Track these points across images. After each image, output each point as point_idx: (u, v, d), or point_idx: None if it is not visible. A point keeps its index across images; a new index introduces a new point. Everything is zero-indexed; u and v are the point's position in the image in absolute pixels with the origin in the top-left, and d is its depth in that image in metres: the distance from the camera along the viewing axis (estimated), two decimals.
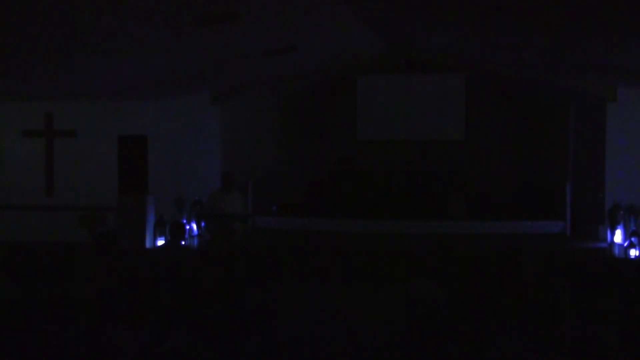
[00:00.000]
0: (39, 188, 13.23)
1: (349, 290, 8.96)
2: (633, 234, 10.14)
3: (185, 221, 11.63)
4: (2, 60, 8.28)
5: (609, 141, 11.55)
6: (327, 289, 9.07)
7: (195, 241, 11.74)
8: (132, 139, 13.01)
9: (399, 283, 5.44)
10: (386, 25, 10.17)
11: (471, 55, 12.43)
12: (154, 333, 4.11)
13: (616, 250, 10.52)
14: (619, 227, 10.85)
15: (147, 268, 6.69)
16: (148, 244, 10.84)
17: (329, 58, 12.42)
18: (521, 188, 14.57)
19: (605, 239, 11.21)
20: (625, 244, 10.18)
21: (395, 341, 5.36)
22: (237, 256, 6.23)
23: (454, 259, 5.59)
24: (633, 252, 9.88)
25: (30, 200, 13.18)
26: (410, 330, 4.73)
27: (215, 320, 4.88)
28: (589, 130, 12.62)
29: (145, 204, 11.00)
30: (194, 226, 12.05)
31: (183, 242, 11.14)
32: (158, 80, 11.06)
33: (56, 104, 13.00)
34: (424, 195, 13.99)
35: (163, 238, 11.02)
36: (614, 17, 6.99)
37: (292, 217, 13.50)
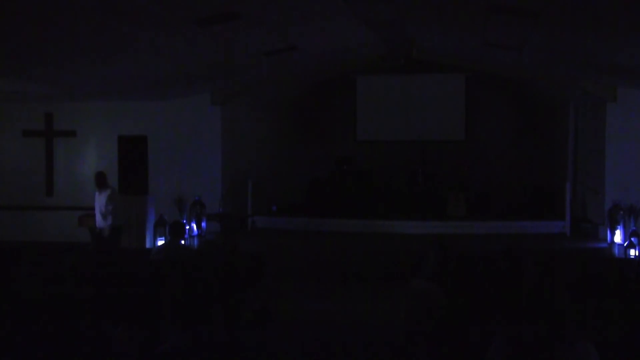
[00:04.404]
0: (39, 188, 13.23)
1: (348, 290, 8.96)
2: (633, 234, 10.15)
3: (185, 221, 11.64)
4: (2, 60, 8.28)
5: (608, 141, 11.54)
6: (326, 288, 9.07)
7: (196, 241, 11.75)
8: (132, 139, 13.02)
9: (399, 283, 5.44)
10: (386, 25, 10.17)
11: (471, 55, 12.42)
12: (154, 333, 4.11)
13: (616, 250, 10.52)
14: (619, 227, 10.85)
15: (147, 268, 6.68)
16: (148, 244, 10.84)
17: (329, 58, 12.42)
18: (521, 188, 14.57)
19: (605, 239, 11.21)
20: (625, 244, 10.18)
21: (394, 341, 5.36)
22: (237, 256, 6.23)
23: (454, 259, 5.58)
24: (633, 252, 9.88)
25: (30, 200, 13.19)
26: (410, 331, 4.73)
27: (215, 320, 4.88)
28: (589, 130, 12.62)
29: (145, 204, 10.99)
30: (194, 226, 12.05)
31: (183, 242, 11.15)
32: (158, 81, 11.06)
33: (56, 104, 13.00)
34: (424, 195, 13.99)
35: (163, 238, 11.02)
36: (614, 17, 6.99)
37: (292, 217, 13.51)
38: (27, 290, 4.63)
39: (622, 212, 10.89)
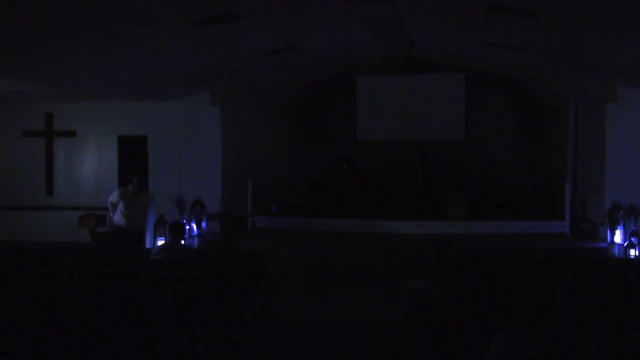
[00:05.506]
0: (39, 188, 13.23)
1: (348, 290, 8.96)
2: (633, 234, 10.14)
3: (185, 221, 11.63)
4: (2, 60, 8.28)
5: (608, 141, 11.54)
6: (326, 288, 9.07)
7: (196, 241, 11.75)
8: (132, 139, 13.03)
9: (399, 283, 5.43)
10: (386, 25, 10.17)
11: (471, 55, 12.43)
12: (154, 333, 4.11)
13: (616, 250, 10.51)
14: (619, 227, 10.85)
15: (147, 268, 6.69)
16: (148, 244, 10.83)
17: (329, 58, 12.42)
18: (521, 188, 14.57)
19: (605, 239, 11.21)
20: (625, 244, 10.18)
21: (394, 341, 5.36)
22: (237, 256, 6.24)
23: (453, 259, 5.59)
24: (633, 252, 9.88)
25: (30, 200, 13.19)
26: (409, 331, 4.73)
27: (215, 320, 4.88)
28: (589, 130, 12.62)
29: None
30: (194, 226, 12.05)
31: (183, 242, 11.17)
32: (158, 81, 11.05)
33: (56, 104, 13.00)
34: (424, 195, 13.99)
35: (163, 238, 11.02)
36: (614, 17, 6.99)
37: (292, 217, 13.51)
38: (27, 290, 4.63)
39: (622, 212, 10.89)
